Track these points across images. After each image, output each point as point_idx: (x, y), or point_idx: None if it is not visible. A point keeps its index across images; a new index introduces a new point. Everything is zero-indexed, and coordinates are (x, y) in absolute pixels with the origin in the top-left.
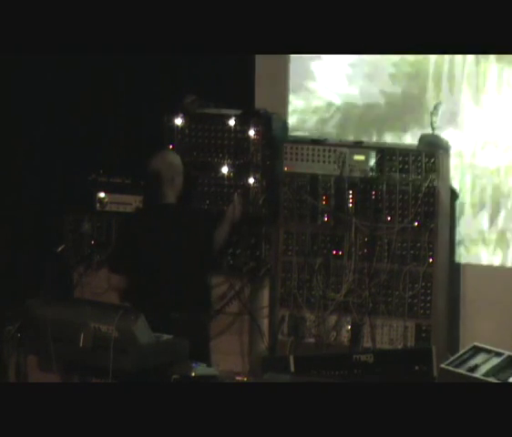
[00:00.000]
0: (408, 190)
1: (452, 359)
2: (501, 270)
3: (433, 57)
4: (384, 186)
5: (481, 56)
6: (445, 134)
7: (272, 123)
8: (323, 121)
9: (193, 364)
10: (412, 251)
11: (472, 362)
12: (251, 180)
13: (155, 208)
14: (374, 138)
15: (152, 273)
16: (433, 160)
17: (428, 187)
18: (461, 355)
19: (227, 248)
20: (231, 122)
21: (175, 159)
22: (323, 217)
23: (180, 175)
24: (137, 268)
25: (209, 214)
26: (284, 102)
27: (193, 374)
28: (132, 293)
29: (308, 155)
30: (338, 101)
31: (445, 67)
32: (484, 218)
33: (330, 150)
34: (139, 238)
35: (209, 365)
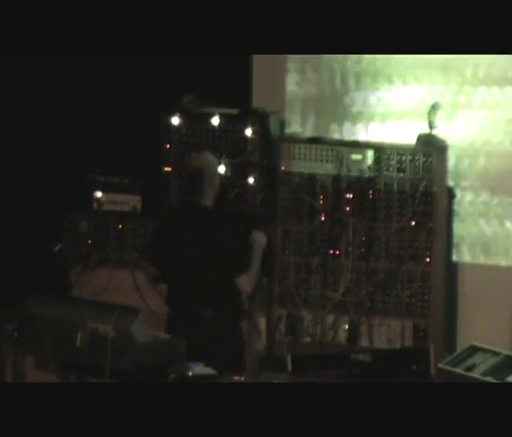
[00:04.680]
0: (406, 189)
1: (449, 358)
2: (499, 270)
3: None
4: (382, 185)
5: None
6: None
7: (270, 122)
8: None
9: (191, 364)
10: (409, 251)
11: (469, 362)
12: (249, 179)
13: (193, 209)
14: None
15: (185, 274)
16: (430, 159)
17: (426, 186)
18: (458, 355)
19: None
20: (229, 121)
21: (214, 159)
22: (321, 216)
23: (218, 175)
24: (170, 265)
25: (243, 219)
26: (282, 101)
27: (190, 374)
28: (168, 293)
29: (305, 154)
30: None
31: None
32: None
33: (327, 149)
34: (175, 236)
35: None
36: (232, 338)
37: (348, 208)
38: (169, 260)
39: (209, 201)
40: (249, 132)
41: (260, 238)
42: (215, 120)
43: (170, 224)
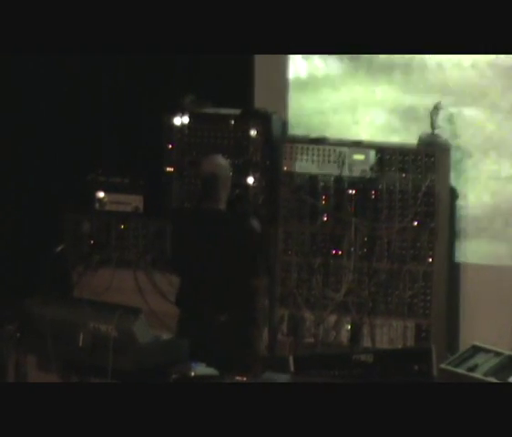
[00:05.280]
0: (408, 190)
1: (451, 358)
2: (501, 269)
3: None
4: (384, 185)
5: None
6: None
7: (272, 122)
8: None
9: (193, 364)
10: (411, 251)
11: (471, 362)
12: (251, 180)
13: (208, 213)
14: None
15: (201, 276)
16: (432, 160)
17: (428, 186)
18: (461, 355)
19: None
20: (231, 122)
21: (226, 162)
22: (323, 216)
23: (230, 177)
24: (186, 268)
25: (255, 223)
26: (284, 101)
27: (193, 374)
28: (182, 295)
29: (307, 154)
30: None
31: None
32: None
33: (329, 150)
34: (191, 240)
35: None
36: (244, 341)
37: (350, 209)
38: (185, 263)
39: (222, 204)
40: (252, 132)
41: (257, 227)
42: (217, 120)
43: (186, 228)
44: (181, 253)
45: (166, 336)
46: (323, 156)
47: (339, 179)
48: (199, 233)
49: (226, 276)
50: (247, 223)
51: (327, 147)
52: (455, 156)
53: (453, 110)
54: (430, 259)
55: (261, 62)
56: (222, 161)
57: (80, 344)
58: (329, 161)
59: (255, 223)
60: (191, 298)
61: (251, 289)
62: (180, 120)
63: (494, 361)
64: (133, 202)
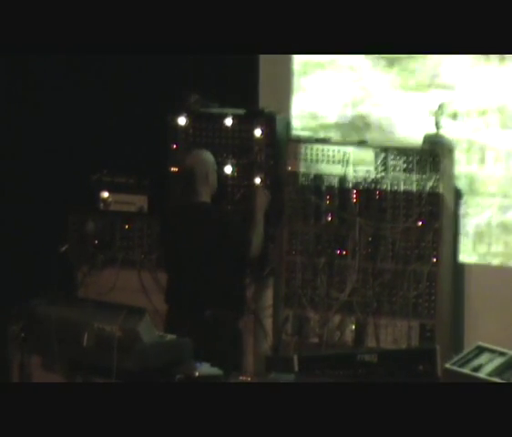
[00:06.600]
0: (412, 190)
1: (456, 358)
2: (505, 270)
3: None
4: (388, 185)
5: None
6: None
7: (276, 122)
8: None
9: (197, 364)
10: (416, 251)
11: (476, 362)
12: (255, 180)
13: (189, 207)
14: None
15: (185, 271)
16: (437, 160)
17: (432, 186)
18: (465, 355)
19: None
20: (235, 122)
21: (208, 157)
22: (327, 216)
23: (214, 172)
24: (174, 265)
25: (241, 215)
26: (288, 101)
27: (197, 374)
28: (169, 290)
29: (312, 154)
30: None
31: None
32: None
33: (334, 149)
34: (176, 236)
35: (236, 366)
36: (231, 337)
37: (355, 209)
38: (172, 260)
39: (203, 198)
40: (257, 133)
41: (261, 198)
42: (222, 121)
43: (170, 225)
44: (168, 249)
45: (170, 336)
46: (328, 155)
47: (343, 179)
48: (182, 227)
49: (210, 269)
50: (227, 215)
51: (331, 147)
52: None
53: None
54: (434, 260)
55: (266, 62)
56: (204, 156)
57: (85, 344)
58: (333, 161)
59: (261, 194)
60: (178, 294)
61: (238, 283)
62: (185, 120)
63: (498, 362)
64: (138, 202)
